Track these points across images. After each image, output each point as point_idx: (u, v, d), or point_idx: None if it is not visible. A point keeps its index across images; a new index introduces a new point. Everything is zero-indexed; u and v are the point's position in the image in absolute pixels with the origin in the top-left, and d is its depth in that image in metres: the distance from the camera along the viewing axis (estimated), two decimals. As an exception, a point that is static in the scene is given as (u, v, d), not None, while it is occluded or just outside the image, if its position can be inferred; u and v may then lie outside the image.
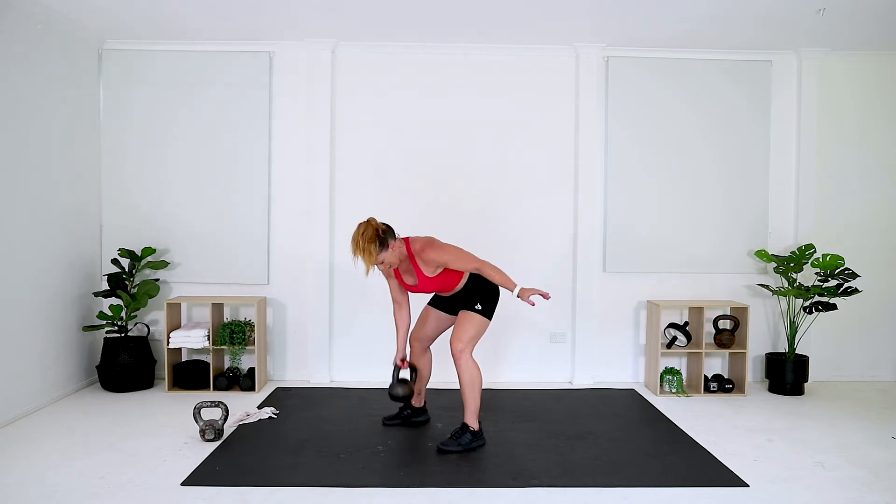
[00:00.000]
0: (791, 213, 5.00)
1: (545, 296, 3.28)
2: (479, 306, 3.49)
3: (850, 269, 4.59)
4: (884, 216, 5.05)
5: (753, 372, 5.01)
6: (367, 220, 3.33)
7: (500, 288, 3.56)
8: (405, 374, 3.83)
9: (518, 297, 3.29)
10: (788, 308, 4.76)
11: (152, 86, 4.82)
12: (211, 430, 3.53)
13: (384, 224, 3.36)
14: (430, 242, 3.41)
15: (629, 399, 4.53)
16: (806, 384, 4.78)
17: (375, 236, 3.27)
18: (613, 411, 4.23)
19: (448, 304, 3.69)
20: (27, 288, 4.03)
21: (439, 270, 3.44)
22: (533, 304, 3.32)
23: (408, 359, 3.80)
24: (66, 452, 3.38)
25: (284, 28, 4.55)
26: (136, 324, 4.77)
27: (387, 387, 4.68)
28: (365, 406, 4.26)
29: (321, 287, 4.84)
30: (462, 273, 3.49)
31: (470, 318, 3.48)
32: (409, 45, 4.83)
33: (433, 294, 3.79)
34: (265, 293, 4.87)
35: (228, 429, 3.74)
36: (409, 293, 3.66)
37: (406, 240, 3.45)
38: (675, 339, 4.69)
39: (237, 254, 4.86)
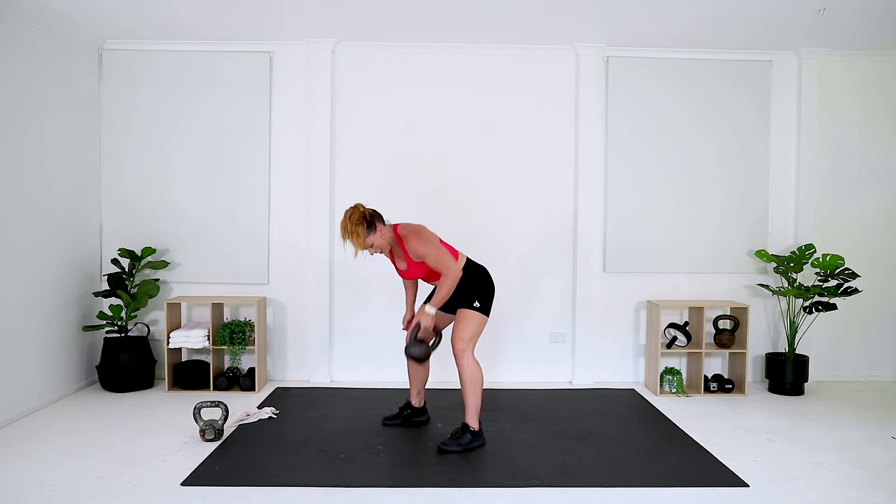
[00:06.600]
0: (791, 213, 5.00)
1: (417, 331, 3.43)
2: (476, 304, 3.49)
3: (850, 269, 4.59)
4: (884, 216, 5.04)
5: (753, 372, 5.01)
6: (354, 205, 3.41)
7: (494, 282, 3.61)
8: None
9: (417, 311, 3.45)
10: (788, 308, 4.76)
11: (152, 86, 4.81)
12: (211, 430, 3.53)
13: (371, 209, 3.42)
14: (416, 231, 3.45)
15: (629, 399, 4.53)
16: (806, 384, 4.78)
17: (362, 219, 3.33)
18: (613, 411, 4.23)
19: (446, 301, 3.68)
20: (27, 288, 4.03)
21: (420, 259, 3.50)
22: (415, 325, 3.45)
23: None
24: (66, 452, 3.37)
25: (284, 28, 4.55)
26: (136, 324, 4.77)
27: (386, 386, 4.72)
28: (365, 406, 4.25)
29: (321, 287, 4.84)
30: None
31: (469, 316, 3.48)
32: (410, 45, 4.83)
33: (431, 291, 3.79)
34: (265, 293, 4.87)
35: (228, 429, 3.74)
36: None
37: (395, 226, 3.50)
38: (675, 339, 4.69)
39: (237, 254, 4.86)
